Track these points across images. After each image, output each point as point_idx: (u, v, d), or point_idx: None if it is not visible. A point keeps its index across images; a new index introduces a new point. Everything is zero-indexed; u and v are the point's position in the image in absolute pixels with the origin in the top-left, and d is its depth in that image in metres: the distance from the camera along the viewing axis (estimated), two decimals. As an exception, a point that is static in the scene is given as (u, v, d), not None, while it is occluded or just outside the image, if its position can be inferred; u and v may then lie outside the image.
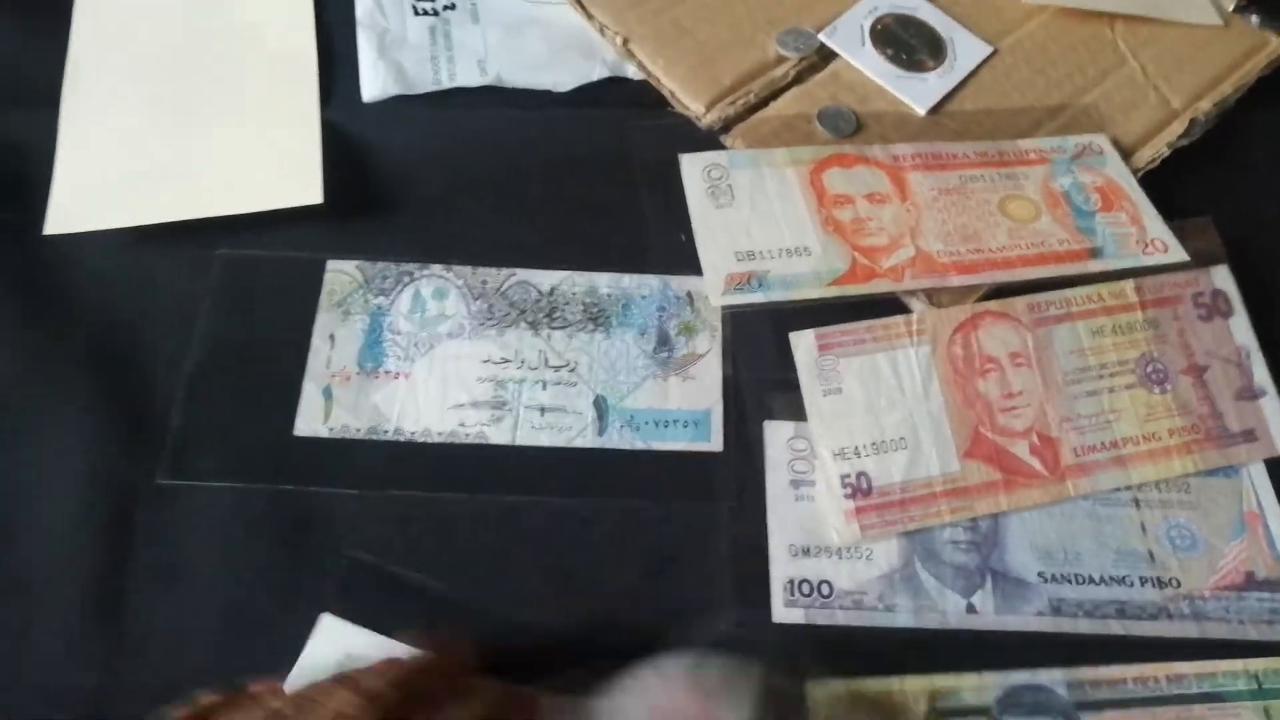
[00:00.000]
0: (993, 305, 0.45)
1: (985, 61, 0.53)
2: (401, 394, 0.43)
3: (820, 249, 0.45)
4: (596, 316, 0.46)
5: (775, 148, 0.49)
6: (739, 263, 0.45)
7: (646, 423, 0.43)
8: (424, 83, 0.51)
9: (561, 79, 0.52)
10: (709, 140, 0.50)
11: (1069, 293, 0.46)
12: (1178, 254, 0.47)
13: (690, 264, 0.45)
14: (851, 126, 0.50)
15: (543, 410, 0.43)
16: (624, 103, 0.52)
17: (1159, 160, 0.51)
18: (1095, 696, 0.39)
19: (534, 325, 0.45)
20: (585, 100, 0.52)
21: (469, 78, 0.52)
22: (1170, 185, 0.50)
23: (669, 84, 0.51)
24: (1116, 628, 0.40)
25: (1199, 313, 0.46)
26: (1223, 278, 0.47)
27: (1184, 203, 0.49)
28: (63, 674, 0.37)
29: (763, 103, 0.51)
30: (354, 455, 0.42)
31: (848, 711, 0.37)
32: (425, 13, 0.54)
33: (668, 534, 0.41)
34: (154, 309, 0.45)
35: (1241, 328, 0.46)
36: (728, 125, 0.50)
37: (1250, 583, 0.41)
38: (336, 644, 0.37)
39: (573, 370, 0.44)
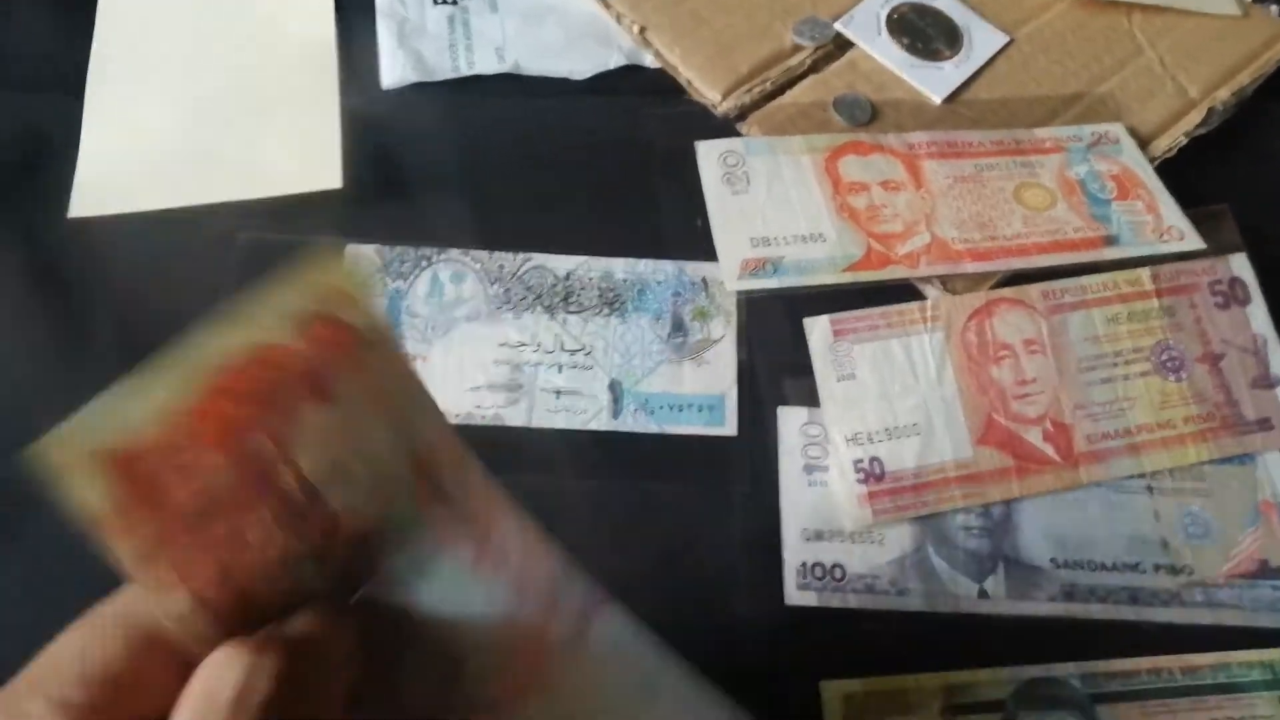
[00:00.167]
0: (1007, 292, 0.45)
1: (1002, 51, 0.53)
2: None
3: (835, 235, 0.45)
4: (612, 301, 0.46)
5: (791, 135, 0.49)
6: (754, 249, 0.45)
7: (661, 407, 0.44)
8: (443, 70, 0.52)
9: (579, 67, 0.52)
10: (725, 128, 0.50)
11: (1084, 280, 0.46)
12: (1194, 241, 0.46)
13: (705, 250, 0.46)
14: (867, 115, 0.50)
15: (558, 393, 0.44)
16: (641, 90, 0.52)
17: (1176, 149, 0.50)
18: (1110, 688, 0.38)
19: (550, 309, 0.46)
20: (602, 88, 0.52)
21: (487, 65, 0.52)
22: (1188, 174, 0.49)
23: (686, 72, 0.52)
24: (1129, 614, 0.40)
25: (1216, 300, 0.46)
26: (1240, 265, 0.47)
27: (1202, 191, 0.49)
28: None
29: (779, 91, 0.51)
30: (372, 437, 0.42)
31: (861, 709, 0.38)
32: (444, 2, 0.54)
33: (681, 517, 0.41)
34: (176, 291, 0.45)
35: (1259, 316, 0.46)
36: (744, 113, 0.50)
37: (1264, 570, 0.41)
38: None
39: (588, 354, 0.45)
